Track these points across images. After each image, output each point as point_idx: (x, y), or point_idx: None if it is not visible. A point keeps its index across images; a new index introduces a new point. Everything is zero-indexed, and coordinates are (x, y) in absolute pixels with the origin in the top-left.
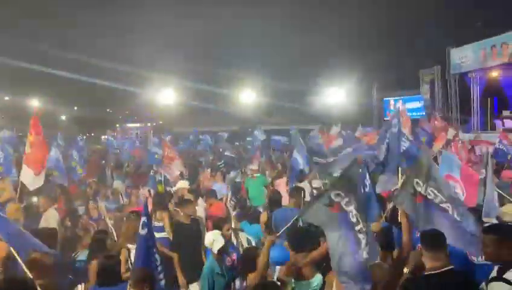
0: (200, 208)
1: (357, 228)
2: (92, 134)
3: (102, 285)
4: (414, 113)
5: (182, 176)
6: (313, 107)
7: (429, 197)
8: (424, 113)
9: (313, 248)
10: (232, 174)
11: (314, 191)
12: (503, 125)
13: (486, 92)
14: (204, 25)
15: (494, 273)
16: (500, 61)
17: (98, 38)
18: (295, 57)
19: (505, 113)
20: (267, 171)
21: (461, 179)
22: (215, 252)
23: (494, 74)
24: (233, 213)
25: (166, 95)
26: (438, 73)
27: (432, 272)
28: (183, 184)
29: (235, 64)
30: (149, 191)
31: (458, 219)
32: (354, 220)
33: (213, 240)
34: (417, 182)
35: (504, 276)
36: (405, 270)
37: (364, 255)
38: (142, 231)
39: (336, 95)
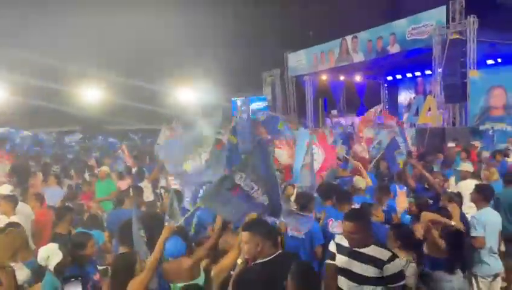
0: (21, 216)
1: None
2: None
3: None
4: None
5: (9, 181)
6: (163, 108)
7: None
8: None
9: (189, 251)
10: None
11: (162, 191)
12: (331, 122)
13: (318, 93)
14: (47, 13)
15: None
16: (328, 66)
17: None
18: (144, 55)
19: (333, 112)
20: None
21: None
22: (52, 269)
23: (324, 77)
24: None
25: None
26: (277, 75)
27: (265, 260)
28: (4, 189)
29: (76, 59)
30: None
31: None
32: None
33: (47, 256)
34: (240, 176)
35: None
36: (239, 261)
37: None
38: None
39: (187, 95)
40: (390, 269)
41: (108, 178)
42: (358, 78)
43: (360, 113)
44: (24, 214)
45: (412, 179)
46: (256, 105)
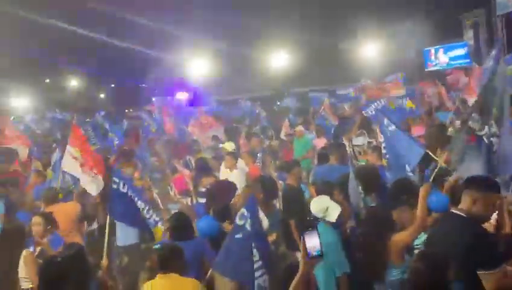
0: (239, 171)
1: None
2: (131, 110)
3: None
4: (458, 61)
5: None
6: (346, 65)
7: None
8: (469, 61)
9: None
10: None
11: (356, 148)
12: None
13: None
14: None
15: None
16: None
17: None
18: (323, 12)
19: None
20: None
21: None
22: (333, 221)
23: None
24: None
25: (200, 64)
26: (482, 15)
27: None
28: (228, 145)
29: (263, 25)
30: (189, 159)
31: None
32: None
33: (327, 207)
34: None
35: None
36: None
37: None
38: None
39: (370, 49)
40: None
41: (304, 136)
42: None
43: None
44: (241, 168)
45: None
46: (455, 53)
